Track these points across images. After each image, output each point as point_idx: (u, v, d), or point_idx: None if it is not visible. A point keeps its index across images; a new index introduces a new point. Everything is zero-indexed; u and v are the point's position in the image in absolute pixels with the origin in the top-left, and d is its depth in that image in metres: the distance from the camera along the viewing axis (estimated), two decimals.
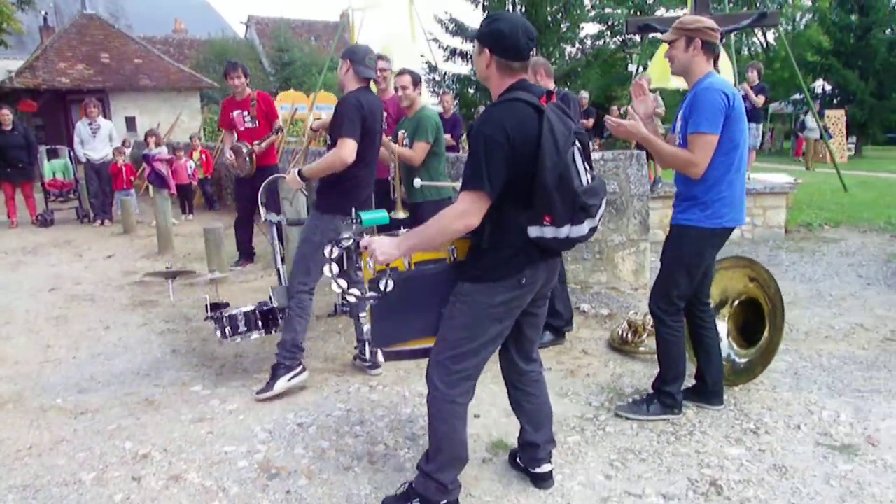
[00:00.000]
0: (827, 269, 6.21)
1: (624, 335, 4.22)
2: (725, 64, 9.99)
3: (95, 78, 19.59)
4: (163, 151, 10.25)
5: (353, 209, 3.03)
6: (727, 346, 3.66)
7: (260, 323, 3.88)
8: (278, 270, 4.11)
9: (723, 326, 3.67)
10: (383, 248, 2.28)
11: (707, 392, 3.33)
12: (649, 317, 4.23)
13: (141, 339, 4.69)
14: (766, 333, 3.55)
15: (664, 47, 10.35)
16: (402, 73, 4.48)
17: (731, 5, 23.29)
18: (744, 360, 3.61)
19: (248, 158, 6.19)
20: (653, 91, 8.80)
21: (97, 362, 4.27)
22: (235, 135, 6.45)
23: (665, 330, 3.21)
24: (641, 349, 4.12)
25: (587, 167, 2.28)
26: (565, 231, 2.23)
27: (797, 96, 22.66)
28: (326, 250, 2.46)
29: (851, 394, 3.49)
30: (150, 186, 10.75)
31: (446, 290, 2.38)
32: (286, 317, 3.71)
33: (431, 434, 2.44)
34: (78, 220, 10.36)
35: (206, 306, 3.91)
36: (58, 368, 4.18)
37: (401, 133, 4.38)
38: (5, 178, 9.92)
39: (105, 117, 12.46)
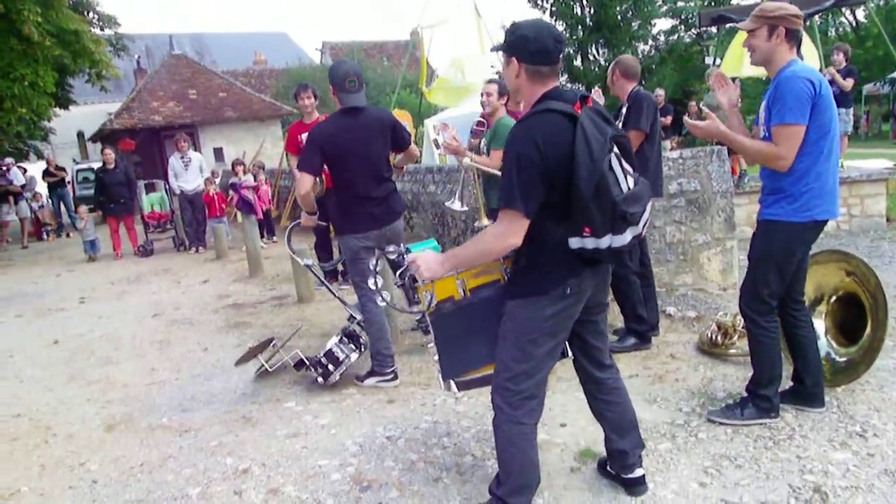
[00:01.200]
0: None
1: (713, 337, 4.08)
2: (809, 48, 9.52)
3: (185, 114, 20.77)
4: (249, 179, 10.73)
5: (404, 246, 3.24)
6: (826, 344, 3.48)
7: (352, 345, 4.16)
8: (334, 293, 4.66)
9: (820, 324, 3.49)
10: (428, 263, 2.32)
11: (806, 394, 3.18)
12: (739, 317, 4.08)
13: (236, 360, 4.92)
14: (868, 330, 3.35)
15: (740, 36, 9.96)
16: (490, 81, 4.55)
17: None
18: (845, 359, 3.42)
19: (317, 179, 6.36)
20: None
21: (197, 382, 4.52)
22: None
23: (758, 331, 3.08)
24: (732, 351, 3.97)
25: (628, 172, 2.19)
26: (606, 241, 2.15)
27: (894, 75, 21.22)
28: (371, 262, 2.55)
29: None
30: (238, 213, 11.24)
31: (450, 323, 2.40)
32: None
33: (500, 457, 2.41)
34: (175, 249, 10.98)
35: (297, 363, 4.25)
36: (162, 390, 4.45)
37: (482, 140, 4.46)
38: (110, 213, 10.69)
39: (195, 150, 13.23)
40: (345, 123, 3.81)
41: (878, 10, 23.68)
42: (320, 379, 4.03)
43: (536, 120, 2.18)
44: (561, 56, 2.25)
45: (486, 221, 4.35)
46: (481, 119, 5.08)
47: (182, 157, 10.52)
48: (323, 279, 5.01)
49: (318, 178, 6.43)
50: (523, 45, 2.22)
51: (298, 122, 6.66)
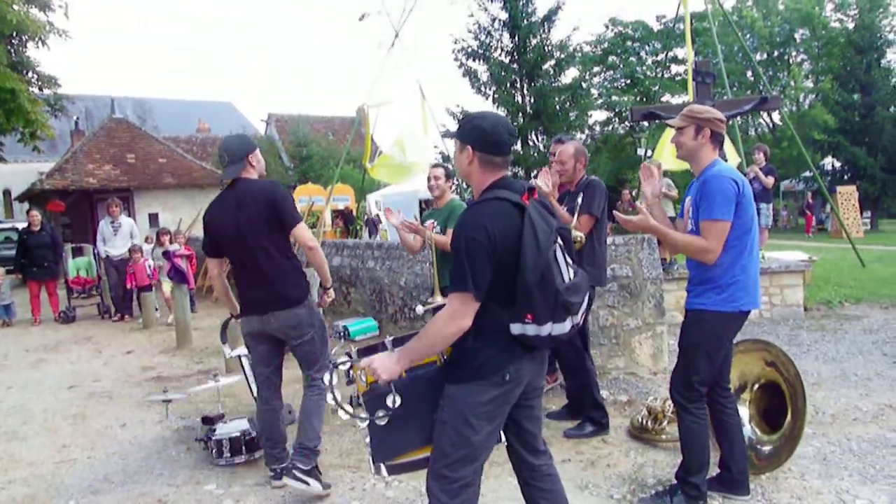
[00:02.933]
0: (850, 348, 6.10)
1: (644, 422, 4.13)
2: (731, 148, 10.19)
3: (122, 178, 20.33)
4: (180, 248, 10.47)
5: (341, 324, 3.21)
6: (750, 431, 3.57)
7: (244, 448, 4.03)
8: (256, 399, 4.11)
9: (744, 411, 3.59)
10: (384, 366, 2.29)
11: (732, 481, 3.23)
12: (669, 402, 4.16)
13: (156, 437, 4.67)
14: (788, 418, 3.46)
15: (669, 132, 10.53)
16: (436, 165, 4.64)
17: (735, 89, 23.97)
18: (768, 447, 3.51)
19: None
20: (665, 175, 8.96)
21: (112, 461, 4.24)
22: None
23: (688, 417, 3.14)
24: (663, 437, 4.02)
25: (569, 263, 2.27)
26: (547, 329, 2.19)
27: (807, 174, 22.88)
28: (326, 377, 2.50)
29: (885, 480, 3.36)
30: (168, 282, 10.86)
31: (440, 394, 2.34)
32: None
33: None
34: (99, 316, 10.50)
35: (201, 419, 4.19)
36: (73, 469, 4.15)
37: (429, 222, 4.45)
38: (31, 277, 10.19)
39: (129, 215, 12.88)
40: (221, 198, 3.59)
41: (791, 115, 25.74)
42: (213, 453, 4.03)
43: (486, 206, 2.24)
44: (511, 148, 2.35)
45: (439, 299, 4.32)
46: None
47: (112, 222, 10.23)
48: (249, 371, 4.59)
49: None
50: (480, 136, 2.30)
51: None
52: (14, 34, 12.88)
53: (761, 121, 30.23)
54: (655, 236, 3.23)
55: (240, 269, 3.55)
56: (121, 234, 10.22)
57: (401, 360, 2.30)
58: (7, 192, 28.78)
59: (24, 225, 10.78)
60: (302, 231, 3.53)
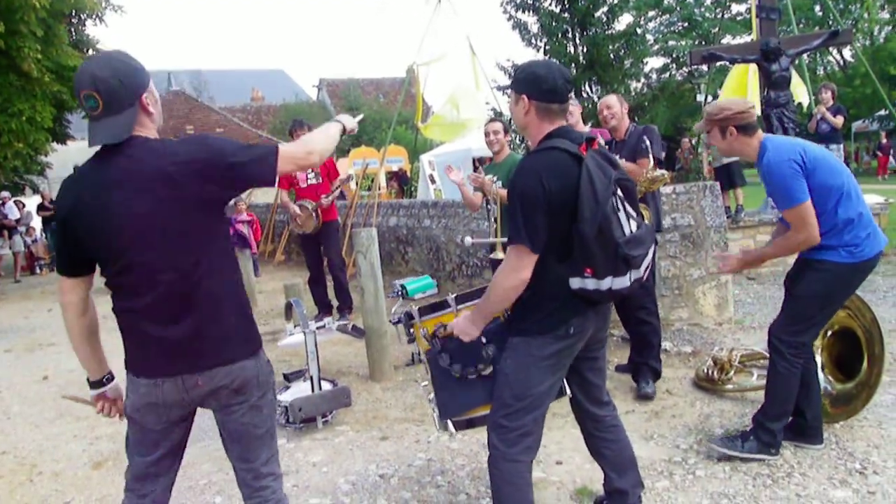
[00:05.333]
0: None
1: (710, 373, 4.05)
2: (799, 87, 9.69)
3: None
4: (243, 214, 10.75)
5: (399, 283, 2.94)
6: (823, 380, 3.45)
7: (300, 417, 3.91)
8: (311, 379, 4.09)
9: (817, 359, 3.47)
10: (462, 329, 2.35)
11: (806, 428, 3.14)
12: (736, 352, 4.07)
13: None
14: (864, 365, 3.33)
15: (736, 73, 10.07)
16: (493, 120, 4.60)
17: (801, 25, 22.67)
18: (841, 395, 3.39)
19: (314, 214, 6.38)
20: None
21: None
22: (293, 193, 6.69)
23: (782, 363, 3.01)
24: (729, 387, 3.94)
25: (631, 215, 2.20)
26: (607, 283, 2.15)
27: (882, 112, 21.60)
28: (412, 350, 2.54)
29: None
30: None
31: (504, 349, 2.34)
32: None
33: (495, 496, 2.36)
34: None
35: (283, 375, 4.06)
36: None
37: (489, 177, 4.42)
38: None
39: None
40: (92, 175, 1.91)
41: (865, 50, 24.19)
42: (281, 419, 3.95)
43: (541, 157, 2.19)
44: (570, 95, 2.27)
45: (501, 254, 4.32)
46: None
47: None
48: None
49: (315, 213, 6.39)
50: (534, 83, 2.24)
51: None
52: (73, 13, 13.22)
53: (831, 58, 28.58)
54: (757, 264, 3.24)
55: (133, 294, 1.93)
56: None
57: (476, 321, 2.33)
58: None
59: None
60: (287, 157, 1.97)
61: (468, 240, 4.21)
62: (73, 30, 14.11)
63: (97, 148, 1.88)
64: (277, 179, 1.97)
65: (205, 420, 4.34)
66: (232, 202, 10.72)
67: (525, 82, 2.26)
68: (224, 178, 1.89)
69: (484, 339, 2.38)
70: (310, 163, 2.09)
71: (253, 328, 2.10)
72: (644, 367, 4.11)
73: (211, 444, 3.96)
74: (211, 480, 3.42)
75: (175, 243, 1.87)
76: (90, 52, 15.58)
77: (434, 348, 2.48)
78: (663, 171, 4.01)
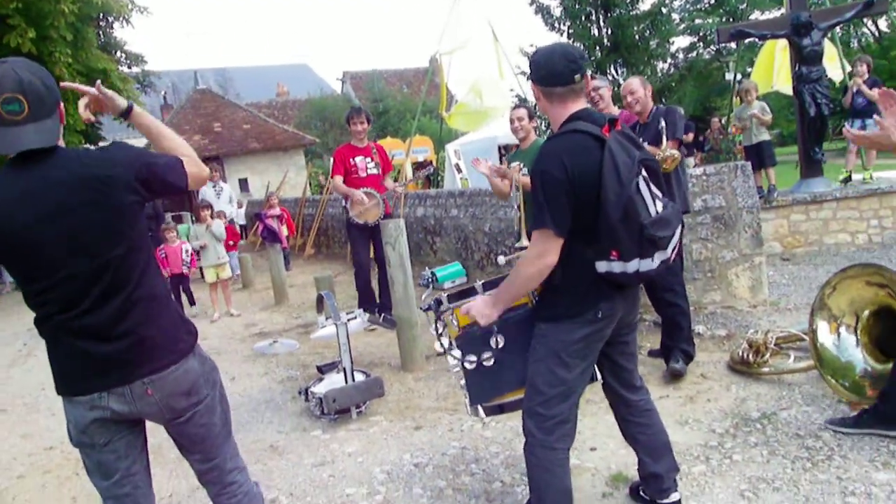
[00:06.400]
0: None
1: (745, 356, 3.99)
2: (832, 60, 9.44)
3: (210, 146, 21.16)
4: (274, 209, 10.88)
5: (429, 271, 2.90)
6: (862, 360, 3.38)
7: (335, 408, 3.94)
8: (344, 370, 4.12)
9: (851, 339, 3.40)
10: (481, 311, 2.34)
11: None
12: (771, 334, 4.01)
13: (263, 388, 4.94)
14: None
15: (767, 49, 9.81)
16: (517, 106, 4.59)
17: None
18: (883, 376, 3.31)
19: (381, 203, 6.02)
20: (759, 99, 8.43)
21: None
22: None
23: None
24: (765, 370, 3.88)
25: (657, 196, 2.17)
26: (634, 265, 2.13)
27: None
28: (432, 329, 2.56)
29: None
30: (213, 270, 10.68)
31: (519, 339, 2.35)
32: None
33: (532, 484, 2.36)
34: (202, 279, 11.10)
35: (316, 368, 4.08)
36: None
37: (515, 164, 4.40)
38: None
39: (223, 180, 13.50)
40: (20, 189, 1.80)
41: None
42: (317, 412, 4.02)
43: (563, 140, 2.18)
44: (578, 75, 2.21)
45: (526, 242, 4.31)
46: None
47: (214, 186, 10.76)
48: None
49: (382, 203, 5.94)
50: (535, 70, 2.27)
51: (348, 145, 6.18)
52: (101, 16, 13.46)
53: (865, 30, 27.73)
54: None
55: (61, 307, 1.84)
56: (223, 198, 10.79)
57: (496, 304, 2.32)
58: None
59: None
60: (192, 162, 2.02)
61: (501, 259, 4.23)
62: (100, 33, 14.36)
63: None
64: (188, 187, 1.99)
65: (241, 414, 4.44)
66: (264, 196, 10.85)
67: (531, 70, 2.30)
68: (142, 183, 1.87)
69: (495, 328, 2.39)
70: (206, 174, 2.09)
71: (188, 325, 2.04)
72: (675, 349, 4.07)
73: (247, 435, 4.04)
74: (249, 472, 3.48)
75: (100, 250, 1.82)
76: (118, 53, 15.87)
77: (449, 345, 2.50)
78: (674, 151, 3.94)
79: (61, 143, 1.87)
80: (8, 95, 1.73)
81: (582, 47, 18.44)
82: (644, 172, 2.16)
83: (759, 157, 8.11)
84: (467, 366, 2.49)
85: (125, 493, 2.00)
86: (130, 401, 1.89)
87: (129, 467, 2.00)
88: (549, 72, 2.22)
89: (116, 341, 1.86)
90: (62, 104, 1.87)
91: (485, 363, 2.46)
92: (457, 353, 2.50)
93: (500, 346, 2.41)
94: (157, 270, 2.01)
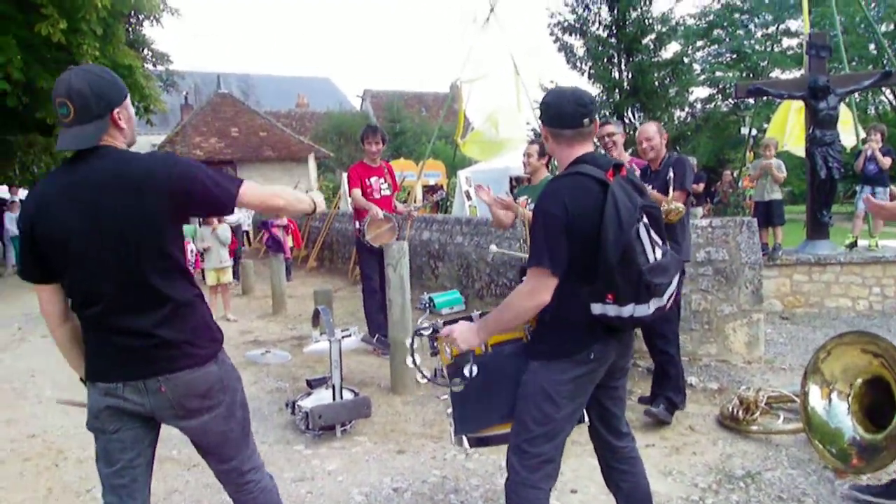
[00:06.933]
0: None
1: (735, 412, 3.98)
2: (847, 123, 9.52)
3: (225, 150, 21.37)
4: (283, 219, 10.94)
5: (427, 296, 2.97)
6: (851, 428, 3.36)
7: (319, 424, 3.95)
8: (333, 387, 4.11)
9: (845, 406, 3.39)
10: (464, 335, 2.33)
11: None
12: (763, 392, 4.00)
13: (251, 397, 4.91)
14: None
15: (785, 108, 9.85)
16: (532, 142, 4.63)
17: (854, 63, 22.26)
18: (871, 447, 3.29)
19: (396, 228, 5.87)
20: (777, 156, 8.48)
21: None
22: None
23: None
24: (754, 428, 3.86)
25: (657, 243, 2.19)
26: (628, 310, 2.14)
27: None
28: (407, 341, 2.55)
29: None
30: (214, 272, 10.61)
31: (524, 369, 2.32)
32: None
33: None
34: (203, 281, 11.14)
35: (306, 382, 4.15)
36: None
37: (522, 199, 4.44)
38: None
39: None
40: (60, 183, 1.96)
41: None
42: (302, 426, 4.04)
43: (566, 181, 2.21)
44: (587, 119, 2.25)
45: None
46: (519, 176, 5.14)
47: None
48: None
49: (395, 224, 5.82)
50: (544, 111, 2.31)
51: (362, 163, 6.02)
52: (132, 13, 13.68)
53: (883, 98, 27.94)
54: None
55: (93, 300, 1.96)
56: None
57: (480, 331, 2.32)
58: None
59: None
60: (251, 191, 2.09)
61: (493, 248, 4.23)
62: (130, 29, 14.59)
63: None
64: (235, 209, 2.07)
65: None
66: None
67: (541, 111, 2.34)
68: (186, 195, 1.95)
69: (470, 357, 2.39)
70: (274, 204, 2.20)
71: (214, 332, 2.12)
72: (660, 396, 4.10)
73: None
74: None
75: (129, 251, 1.91)
76: (145, 51, 16.09)
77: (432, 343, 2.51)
78: (679, 205, 3.95)
79: (121, 143, 2.00)
80: (59, 100, 1.90)
81: (602, 89, 18.68)
82: (645, 219, 2.18)
83: (769, 214, 8.15)
84: (454, 389, 2.49)
85: (123, 483, 2.07)
86: (144, 395, 1.99)
87: (132, 459, 2.07)
88: (559, 114, 2.26)
89: (139, 338, 1.96)
90: (119, 110, 1.98)
91: (453, 389, 2.46)
92: (440, 381, 2.50)
93: (474, 374, 2.41)
94: (188, 276, 2.06)
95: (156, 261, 1.94)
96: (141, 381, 1.97)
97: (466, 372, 2.39)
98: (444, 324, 2.61)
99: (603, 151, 4.47)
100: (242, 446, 2.19)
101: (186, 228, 11.27)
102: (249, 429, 2.22)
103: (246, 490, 2.22)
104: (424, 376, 2.53)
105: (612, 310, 2.15)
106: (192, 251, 8.31)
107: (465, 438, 2.57)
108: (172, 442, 4.06)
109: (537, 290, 2.16)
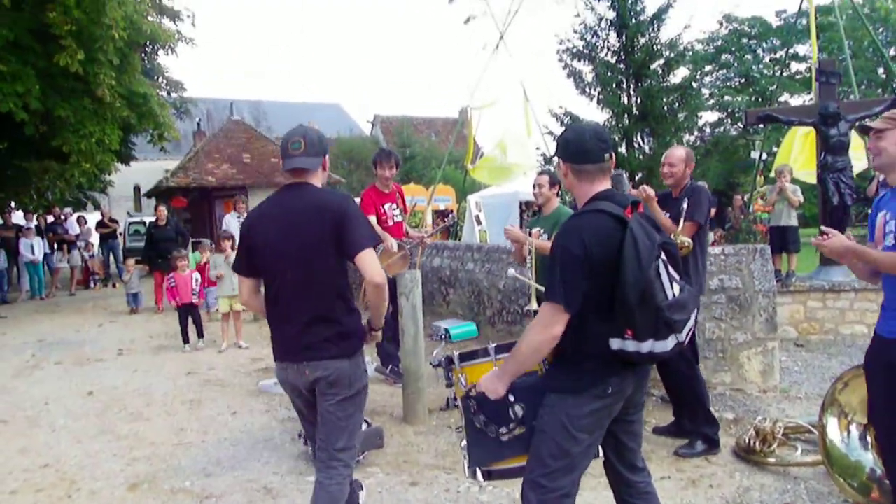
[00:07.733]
0: None
1: (752, 443, 3.93)
2: (859, 148, 9.51)
3: (238, 176, 21.53)
4: None
5: (444, 327, 3.00)
6: (871, 461, 3.32)
7: None
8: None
9: (861, 438, 3.34)
10: (489, 386, 2.34)
11: None
12: (780, 423, 3.95)
13: (264, 426, 4.92)
14: None
15: (794, 133, 9.84)
16: (542, 172, 4.64)
17: (863, 87, 22.30)
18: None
19: (408, 256, 5.66)
20: (792, 181, 8.47)
21: (223, 447, 4.51)
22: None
23: None
24: (771, 460, 3.81)
25: (675, 279, 2.21)
26: (648, 346, 2.15)
27: None
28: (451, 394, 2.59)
29: None
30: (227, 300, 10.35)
31: (541, 403, 2.32)
32: None
33: None
34: (207, 312, 11.16)
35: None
36: (189, 451, 4.45)
37: (535, 230, 4.43)
38: (157, 268, 10.99)
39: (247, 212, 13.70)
40: (274, 203, 2.76)
41: None
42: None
43: (586, 219, 2.23)
44: (608, 154, 2.30)
45: (534, 305, 4.29)
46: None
47: (239, 217, 10.86)
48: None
49: (410, 254, 5.67)
50: (564, 147, 2.34)
51: (374, 188, 5.83)
52: (147, 43, 13.94)
53: None
54: (855, 259, 2.76)
55: (276, 299, 2.72)
56: None
57: (503, 378, 2.33)
58: (137, 188, 31.09)
59: (153, 219, 11.66)
60: (369, 260, 2.59)
61: (511, 271, 4.23)
62: (146, 59, 14.86)
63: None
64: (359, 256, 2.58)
65: (240, 450, 4.42)
66: None
67: (560, 148, 2.37)
68: (334, 227, 2.59)
69: (511, 398, 2.37)
70: (379, 278, 2.62)
71: (356, 335, 2.72)
72: (693, 434, 4.04)
73: (243, 474, 4.01)
74: None
75: (311, 264, 2.60)
76: (159, 79, 16.38)
77: (469, 408, 2.49)
78: (686, 239, 3.92)
79: (318, 183, 2.76)
80: (295, 138, 2.70)
81: (611, 114, 18.76)
82: (664, 256, 2.19)
83: (783, 240, 8.11)
84: (515, 433, 2.43)
85: (307, 428, 2.98)
86: (295, 374, 2.68)
87: (305, 416, 2.88)
88: (582, 150, 2.29)
89: (301, 331, 2.64)
90: (327, 159, 2.82)
91: (514, 433, 2.43)
92: (493, 426, 2.46)
93: (521, 414, 2.39)
94: (345, 289, 2.70)
95: (329, 273, 2.66)
96: (295, 364, 2.68)
97: (512, 414, 2.37)
98: (461, 356, 2.61)
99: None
100: (343, 437, 2.72)
101: (190, 256, 11.34)
102: (354, 424, 2.77)
103: (329, 473, 2.69)
104: (479, 424, 2.49)
105: (631, 345, 2.16)
106: (196, 280, 8.28)
107: (478, 471, 2.56)
108: (186, 473, 4.07)
109: (551, 324, 2.17)
